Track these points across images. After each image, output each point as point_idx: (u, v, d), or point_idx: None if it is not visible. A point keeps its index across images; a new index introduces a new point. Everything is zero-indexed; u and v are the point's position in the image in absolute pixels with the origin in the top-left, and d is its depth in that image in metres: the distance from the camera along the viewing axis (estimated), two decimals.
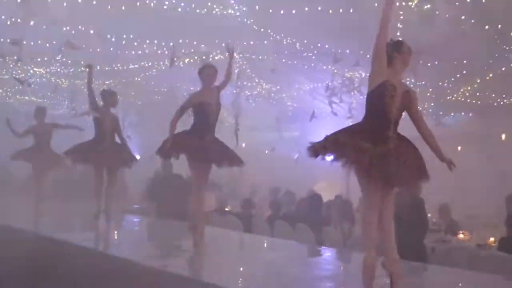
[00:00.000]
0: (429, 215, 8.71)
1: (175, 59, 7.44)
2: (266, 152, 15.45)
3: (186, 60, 10.92)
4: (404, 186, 4.39)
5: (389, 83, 4.13)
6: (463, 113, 12.19)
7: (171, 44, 8.49)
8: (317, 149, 4.08)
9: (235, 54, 10.35)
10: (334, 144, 4.04)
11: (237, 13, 8.03)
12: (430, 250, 6.73)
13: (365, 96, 4.27)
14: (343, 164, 4.04)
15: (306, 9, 7.43)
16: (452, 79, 10.21)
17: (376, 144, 4.04)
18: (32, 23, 8.46)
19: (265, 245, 7.30)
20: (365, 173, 4.05)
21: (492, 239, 7.12)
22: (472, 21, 7.55)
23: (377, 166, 4.00)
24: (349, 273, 5.76)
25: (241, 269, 5.56)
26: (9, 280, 6.43)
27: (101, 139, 7.64)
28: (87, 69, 7.74)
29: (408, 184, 4.45)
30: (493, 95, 10.89)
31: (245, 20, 8.25)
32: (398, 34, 6.13)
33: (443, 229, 7.82)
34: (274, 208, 8.97)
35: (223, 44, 6.19)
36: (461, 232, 7.66)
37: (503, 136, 11.41)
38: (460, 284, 4.95)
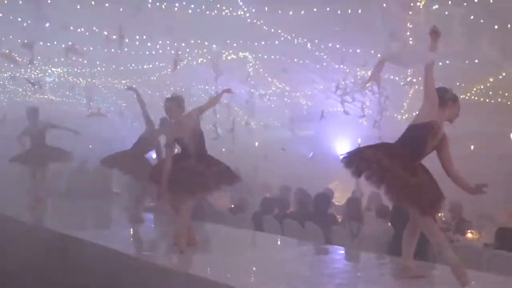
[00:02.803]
0: (440, 214, 8.73)
1: (180, 62, 7.55)
2: (281, 150, 15.52)
3: (199, 60, 11.07)
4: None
5: (436, 124, 4.46)
6: (476, 113, 12.13)
7: (174, 50, 8.60)
8: (359, 169, 4.44)
9: (247, 54, 10.55)
10: (377, 166, 4.38)
11: (247, 14, 8.14)
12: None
13: (407, 126, 4.60)
14: (384, 190, 4.42)
15: (315, 10, 7.50)
16: (465, 78, 10.18)
17: (411, 173, 4.40)
18: (47, 25, 8.66)
19: (274, 243, 7.38)
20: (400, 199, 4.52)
21: None
22: (481, 21, 7.55)
23: (412, 196, 4.39)
24: (355, 271, 5.83)
25: (253, 268, 5.65)
26: (23, 277, 6.61)
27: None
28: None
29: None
30: (506, 94, 10.85)
31: (254, 21, 8.35)
32: (408, 34, 6.15)
33: (452, 228, 7.82)
34: (282, 207, 9.03)
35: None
36: (470, 231, 7.65)
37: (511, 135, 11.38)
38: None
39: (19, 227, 7.73)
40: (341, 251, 6.81)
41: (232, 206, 10.18)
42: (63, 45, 9.22)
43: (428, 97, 4.49)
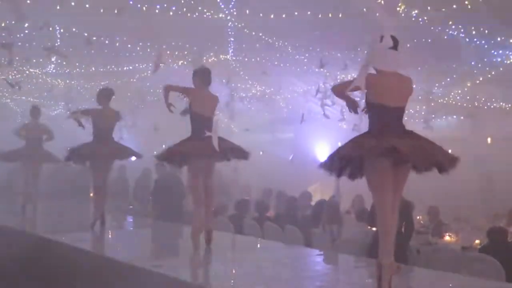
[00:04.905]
0: (418, 217, 8.84)
1: (161, 65, 7.46)
2: (261, 153, 15.55)
3: (180, 62, 11.03)
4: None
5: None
6: (454, 116, 12.33)
7: (156, 52, 8.51)
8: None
9: (227, 56, 10.55)
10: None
11: (228, 17, 8.13)
12: (415, 252, 6.81)
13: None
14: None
15: (296, 13, 7.52)
16: (443, 82, 10.31)
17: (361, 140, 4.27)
18: (26, 25, 8.56)
19: (254, 246, 7.37)
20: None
21: (477, 241, 7.22)
22: (460, 26, 7.66)
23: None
24: (335, 273, 5.86)
25: (233, 270, 5.64)
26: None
27: (98, 138, 7.75)
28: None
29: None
30: (483, 99, 11.03)
31: (236, 23, 8.36)
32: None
33: (430, 231, 7.92)
34: (261, 209, 9.05)
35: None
36: (447, 234, 7.75)
37: (489, 140, 11.56)
38: (443, 286, 5.03)
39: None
40: (321, 254, 6.83)
41: (212, 209, 10.16)
42: (42, 46, 9.08)
43: None
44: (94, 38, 9.09)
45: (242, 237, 8.17)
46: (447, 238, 7.67)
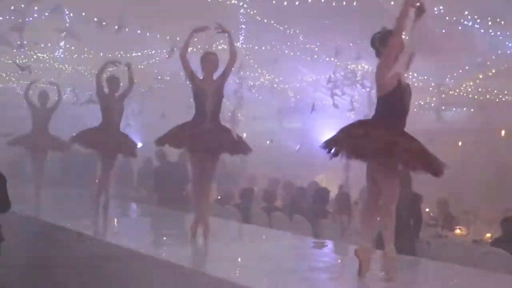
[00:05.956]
0: (427, 209, 8.77)
1: (174, 49, 7.37)
2: (268, 142, 15.48)
3: (189, 49, 10.89)
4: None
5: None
6: (464, 108, 12.21)
7: (167, 37, 8.42)
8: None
9: (238, 44, 10.44)
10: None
11: (240, 3, 8.02)
12: (425, 245, 6.75)
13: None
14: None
15: (310, 0, 7.42)
16: (455, 74, 10.19)
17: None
18: (36, 8, 8.49)
19: (261, 235, 7.33)
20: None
21: (488, 235, 7.16)
22: (475, 16, 7.53)
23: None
24: (344, 265, 5.80)
25: (239, 259, 5.59)
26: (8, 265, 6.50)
27: (107, 126, 7.79)
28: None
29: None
30: (495, 91, 10.90)
31: (248, 10, 8.25)
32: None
33: (440, 224, 7.85)
34: (269, 199, 9.00)
35: (215, 24, 6.00)
36: (458, 227, 7.68)
37: (503, 132, 11.44)
38: (453, 279, 4.98)
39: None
40: (329, 244, 6.78)
41: (219, 197, 10.15)
42: (56, 27, 9.00)
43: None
44: (104, 23, 9.01)
45: (249, 226, 8.14)
46: (457, 231, 7.61)
